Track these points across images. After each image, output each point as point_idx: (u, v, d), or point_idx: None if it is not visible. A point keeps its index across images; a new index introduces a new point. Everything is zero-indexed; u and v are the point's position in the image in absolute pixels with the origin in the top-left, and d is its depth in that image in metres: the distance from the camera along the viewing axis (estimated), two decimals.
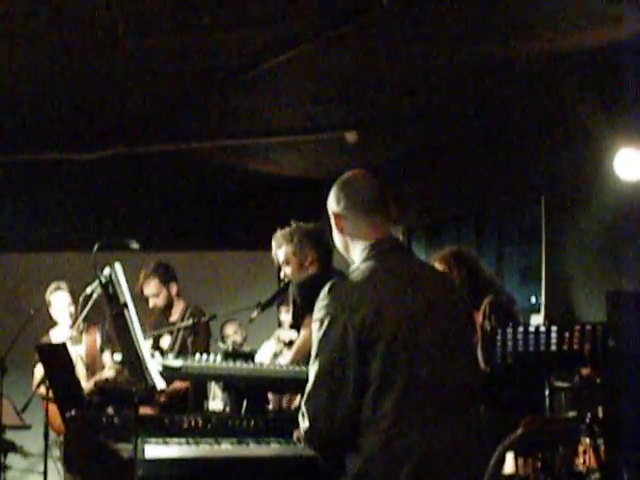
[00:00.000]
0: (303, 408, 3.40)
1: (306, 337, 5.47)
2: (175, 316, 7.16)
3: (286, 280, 5.70)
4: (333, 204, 3.60)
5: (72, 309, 7.67)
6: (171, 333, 7.04)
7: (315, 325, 3.41)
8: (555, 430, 3.56)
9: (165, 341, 7.14)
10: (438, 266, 6.12)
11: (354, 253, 3.58)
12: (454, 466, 3.31)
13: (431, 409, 3.33)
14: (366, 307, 3.33)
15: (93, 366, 7.62)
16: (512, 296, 6.46)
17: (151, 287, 7.11)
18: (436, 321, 3.43)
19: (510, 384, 5.45)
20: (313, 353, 3.41)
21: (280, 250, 5.71)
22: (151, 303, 7.13)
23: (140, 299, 6.85)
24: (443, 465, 3.30)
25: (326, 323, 3.37)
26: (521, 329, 5.32)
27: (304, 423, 3.38)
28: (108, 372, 7.28)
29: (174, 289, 7.14)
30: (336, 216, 3.59)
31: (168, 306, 7.13)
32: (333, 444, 3.41)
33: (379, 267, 3.47)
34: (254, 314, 5.59)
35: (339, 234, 3.61)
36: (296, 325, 5.71)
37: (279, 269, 5.77)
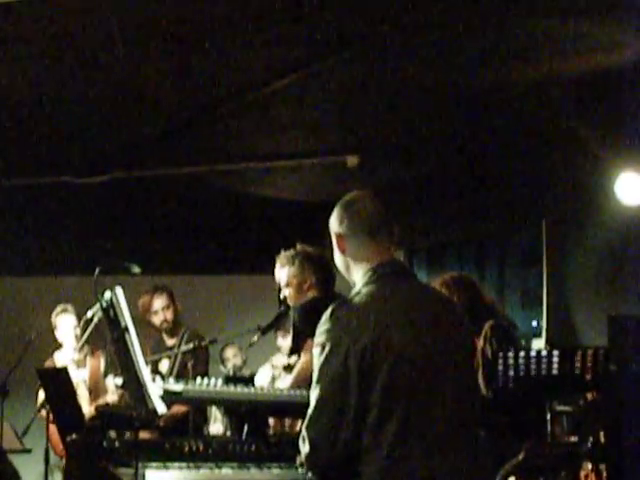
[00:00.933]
0: (304, 433, 3.37)
1: (306, 361, 5.45)
2: (173, 340, 7.16)
3: (287, 302, 5.71)
4: (335, 224, 3.57)
5: (78, 332, 7.68)
6: (169, 357, 7.04)
7: (316, 350, 3.39)
8: (557, 455, 3.55)
9: (164, 365, 7.14)
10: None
11: (355, 275, 3.55)
12: None
13: (432, 436, 3.31)
14: (368, 334, 3.30)
15: (96, 390, 7.61)
16: (513, 321, 6.46)
17: (162, 299, 7.15)
18: (438, 347, 3.40)
19: (511, 408, 5.44)
20: (314, 378, 3.39)
21: (282, 271, 5.72)
22: (160, 317, 7.15)
23: (141, 323, 6.85)
24: None
25: (328, 348, 3.35)
26: (522, 353, 5.31)
27: (305, 448, 3.36)
28: (111, 396, 7.28)
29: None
30: (338, 236, 3.56)
31: (176, 322, 7.16)
32: (333, 469, 3.38)
33: (381, 292, 3.44)
34: (254, 338, 5.60)
35: (340, 255, 3.58)
36: (296, 349, 5.69)
37: (279, 290, 5.78)
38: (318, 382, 3.36)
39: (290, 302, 5.72)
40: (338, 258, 3.61)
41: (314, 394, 3.37)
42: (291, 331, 5.69)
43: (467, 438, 3.40)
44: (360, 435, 3.30)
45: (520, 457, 3.11)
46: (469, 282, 6.25)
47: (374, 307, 3.39)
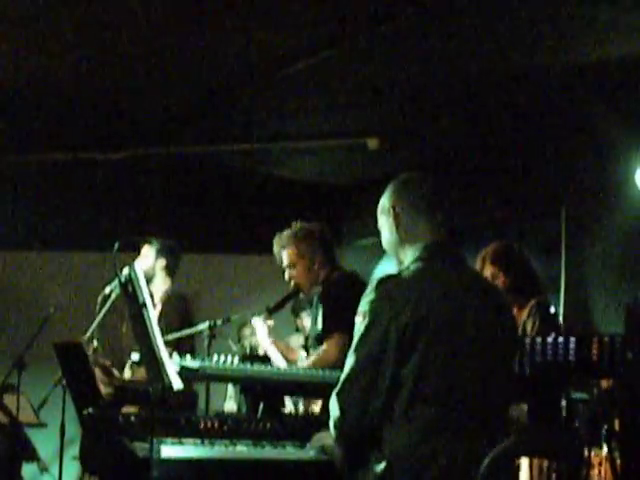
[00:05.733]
0: (335, 398, 3.43)
1: (329, 351, 5.41)
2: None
3: (292, 284, 5.67)
4: (390, 200, 3.62)
5: None
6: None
7: (359, 318, 3.43)
8: (546, 442, 3.54)
9: None
10: (483, 263, 6.11)
11: (405, 253, 3.60)
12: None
13: (461, 419, 3.35)
14: (410, 310, 3.34)
15: None
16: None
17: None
18: (477, 333, 3.44)
19: (527, 394, 5.44)
20: (353, 345, 3.43)
21: (284, 252, 5.67)
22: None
23: None
24: (465, 476, 3.30)
25: (369, 318, 3.40)
26: (539, 339, 5.30)
27: (334, 412, 3.41)
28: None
29: None
30: (392, 212, 3.60)
31: None
32: (360, 437, 3.43)
33: (428, 271, 3.49)
34: (262, 317, 5.62)
35: (393, 232, 3.61)
36: (326, 334, 5.57)
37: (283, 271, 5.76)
38: (356, 350, 3.42)
39: (299, 282, 5.70)
40: (389, 236, 3.65)
41: (350, 361, 3.42)
42: (320, 315, 5.59)
43: (493, 427, 3.43)
44: (392, 408, 3.35)
45: (507, 442, 3.10)
46: (518, 254, 6.21)
47: (420, 284, 3.43)
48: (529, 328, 5.85)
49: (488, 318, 3.49)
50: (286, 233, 5.71)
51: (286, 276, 5.73)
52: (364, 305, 3.43)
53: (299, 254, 5.65)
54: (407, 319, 3.33)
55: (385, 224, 3.65)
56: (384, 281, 3.45)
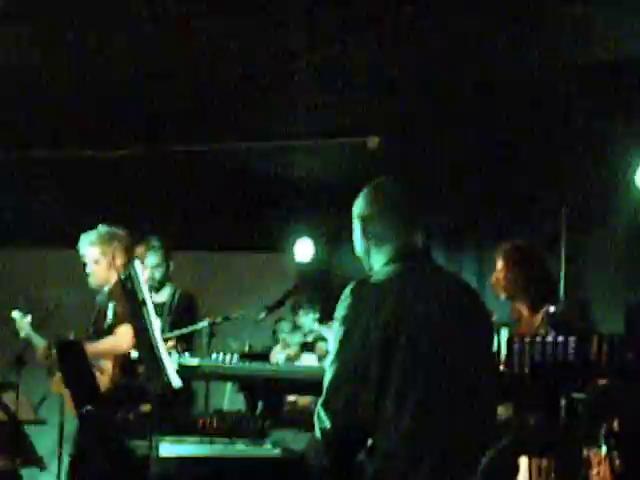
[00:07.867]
0: (321, 409, 3.37)
1: (120, 339, 6.36)
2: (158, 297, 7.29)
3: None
4: (361, 206, 3.62)
5: None
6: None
7: (336, 324, 3.40)
8: (543, 439, 3.55)
9: None
10: (500, 261, 6.07)
11: (376, 258, 3.59)
12: (470, 467, 3.30)
13: (452, 418, 3.34)
14: (389, 308, 3.32)
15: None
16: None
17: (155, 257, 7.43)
18: (455, 329, 3.44)
19: (527, 394, 5.44)
20: (333, 352, 3.39)
21: (90, 248, 6.61)
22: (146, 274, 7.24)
23: None
24: (459, 466, 3.31)
25: (348, 323, 3.36)
26: (539, 339, 5.30)
27: (324, 424, 3.35)
28: None
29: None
30: (362, 219, 3.60)
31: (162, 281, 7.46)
32: (352, 444, 3.39)
33: (401, 271, 3.47)
34: (261, 316, 5.67)
35: (363, 238, 3.61)
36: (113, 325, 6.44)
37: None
38: (337, 356, 3.37)
39: (98, 278, 6.70)
40: (359, 242, 3.65)
41: (332, 368, 3.37)
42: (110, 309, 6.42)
43: (485, 422, 3.43)
44: (381, 409, 3.31)
45: (504, 442, 3.10)
46: (535, 256, 6.15)
47: (393, 285, 3.41)
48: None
49: (462, 316, 3.49)
50: (94, 232, 6.65)
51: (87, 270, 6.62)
52: (341, 310, 3.40)
53: (102, 252, 6.57)
54: (386, 317, 3.31)
55: (356, 230, 3.66)
56: (358, 285, 3.43)
